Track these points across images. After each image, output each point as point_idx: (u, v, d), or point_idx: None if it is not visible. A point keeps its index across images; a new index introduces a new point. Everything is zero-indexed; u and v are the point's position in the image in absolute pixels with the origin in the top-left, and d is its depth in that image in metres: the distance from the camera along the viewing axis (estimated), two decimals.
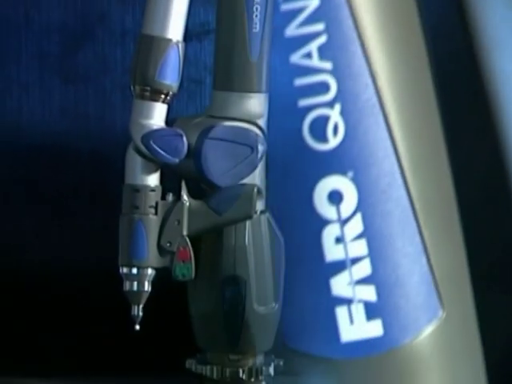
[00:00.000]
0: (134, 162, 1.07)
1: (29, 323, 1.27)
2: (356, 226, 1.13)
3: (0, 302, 1.27)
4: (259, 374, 1.11)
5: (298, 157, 1.15)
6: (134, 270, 1.06)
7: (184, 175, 1.08)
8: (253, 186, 1.08)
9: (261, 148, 1.08)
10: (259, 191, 1.09)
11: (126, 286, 1.06)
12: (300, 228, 1.16)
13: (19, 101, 1.26)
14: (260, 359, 1.12)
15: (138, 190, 1.06)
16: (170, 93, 1.06)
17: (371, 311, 1.12)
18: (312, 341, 1.12)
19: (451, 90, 1.30)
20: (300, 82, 1.14)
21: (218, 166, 1.07)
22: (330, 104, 1.13)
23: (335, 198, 1.13)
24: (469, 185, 1.29)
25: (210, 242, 1.10)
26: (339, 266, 1.13)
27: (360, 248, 1.12)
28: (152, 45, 1.05)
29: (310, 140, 1.14)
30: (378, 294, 1.13)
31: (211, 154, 1.06)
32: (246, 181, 1.08)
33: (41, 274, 1.26)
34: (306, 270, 1.15)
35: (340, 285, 1.12)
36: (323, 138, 1.13)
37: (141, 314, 1.06)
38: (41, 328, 1.27)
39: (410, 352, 1.13)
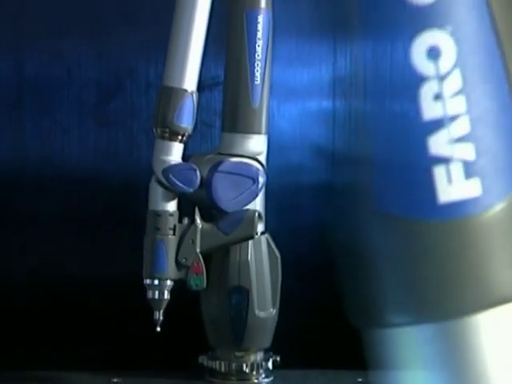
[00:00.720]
0: (156, 191, 1.08)
1: (68, 325, 1.27)
2: (455, 82, 0.97)
3: (43, 308, 1.27)
4: (260, 367, 1.12)
5: (394, 12, 0.99)
6: (156, 281, 1.07)
7: (197, 202, 1.09)
8: (254, 211, 1.09)
9: (261, 180, 1.09)
10: (260, 216, 1.10)
11: (149, 294, 1.07)
12: (398, 87, 1.01)
13: (62, 141, 1.26)
14: (260, 355, 1.13)
15: (159, 214, 1.07)
16: (186, 134, 1.07)
17: (470, 170, 0.96)
18: (407, 203, 0.95)
19: None
20: None
21: (225, 194, 1.08)
22: None
23: (433, 53, 0.98)
24: None
25: (219, 258, 1.10)
26: (437, 124, 0.97)
27: (459, 105, 0.96)
28: (171, 94, 1.06)
29: None
30: (477, 152, 0.97)
31: (220, 185, 1.07)
32: (248, 207, 1.09)
33: (80, 284, 1.26)
34: (403, 129, 1.00)
35: (438, 143, 0.96)
36: None
37: (161, 317, 1.07)
38: (79, 329, 1.27)
39: (507, 213, 0.97)
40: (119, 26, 1.25)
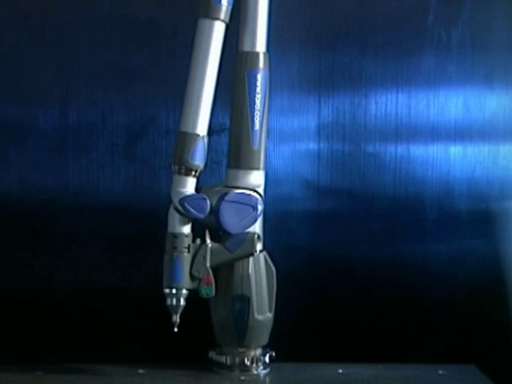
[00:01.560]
0: (174, 217, 1.08)
1: (102, 327, 1.28)
2: None
3: (82, 312, 1.27)
4: (259, 361, 1.12)
5: None
6: (174, 291, 1.07)
7: (207, 226, 1.09)
8: (254, 233, 1.09)
9: (260, 207, 1.08)
10: (258, 237, 1.10)
11: (168, 301, 1.07)
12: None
13: (97, 174, 1.26)
14: (259, 351, 1.12)
15: (176, 236, 1.07)
16: (198, 170, 1.07)
17: None
18: None
19: None
20: None
21: (230, 219, 1.07)
22: None
23: None
24: None
25: (225, 271, 1.10)
26: None
27: None
28: (186, 138, 1.06)
29: None
30: None
31: (226, 212, 1.07)
32: (249, 230, 1.09)
33: (111, 292, 1.27)
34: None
35: None
36: None
37: (178, 320, 1.07)
38: (111, 330, 1.27)
39: None
40: (144, 81, 1.25)
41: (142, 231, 1.24)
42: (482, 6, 1.27)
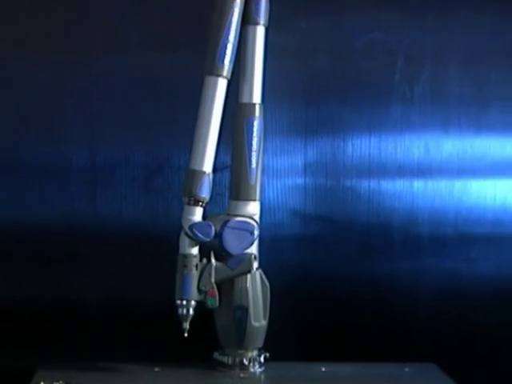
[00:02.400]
0: (184, 240, 1.07)
1: (126, 332, 1.27)
2: None
3: (106, 320, 1.27)
4: (255, 361, 1.11)
5: None
6: (184, 302, 1.06)
7: (212, 248, 1.08)
8: (251, 254, 1.09)
9: (256, 232, 1.08)
10: (255, 257, 1.09)
11: (179, 311, 1.06)
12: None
13: (120, 204, 1.25)
14: (256, 352, 1.12)
15: (186, 256, 1.07)
16: (205, 201, 1.07)
17: None
18: None
19: None
20: None
21: (231, 243, 1.07)
22: None
23: None
24: None
25: (227, 286, 1.09)
26: None
27: None
28: (194, 174, 1.06)
29: None
30: None
31: (228, 236, 1.07)
32: (247, 251, 1.08)
33: (131, 302, 1.26)
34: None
35: None
36: None
37: (187, 327, 1.06)
38: (132, 333, 1.27)
39: None
40: (160, 127, 1.25)
41: (158, 252, 1.24)
42: (438, 68, 1.28)
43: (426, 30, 1.27)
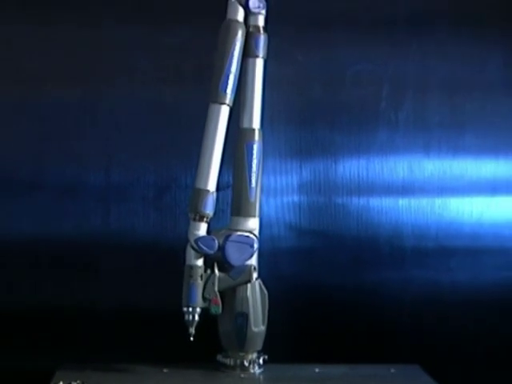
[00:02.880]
0: (190, 252, 1.06)
1: (138, 335, 1.26)
2: None
3: (115, 325, 1.26)
4: (255, 363, 1.10)
5: None
6: (190, 309, 1.05)
7: (216, 259, 1.07)
8: (251, 265, 1.08)
9: (255, 246, 1.07)
10: (254, 268, 1.09)
11: (185, 317, 1.05)
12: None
13: (133, 220, 1.25)
14: (255, 355, 1.11)
15: (192, 267, 1.06)
16: (209, 217, 1.06)
17: None
18: None
19: None
20: None
21: (233, 255, 1.06)
22: None
23: None
24: None
25: (229, 294, 1.09)
26: None
27: None
28: (199, 193, 1.05)
29: None
30: None
31: (230, 249, 1.06)
32: (248, 262, 1.08)
33: (139, 311, 1.26)
34: None
35: None
36: None
37: (193, 331, 1.06)
38: (143, 337, 1.26)
39: None
40: (168, 150, 1.25)
41: (166, 263, 1.23)
42: (420, 96, 1.28)
43: (408, 62, 1.28)
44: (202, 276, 1.06)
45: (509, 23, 1.30)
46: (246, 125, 1.08)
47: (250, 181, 1.08)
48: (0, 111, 1.22)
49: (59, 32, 1.23)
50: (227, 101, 1.06)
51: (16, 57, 1.23)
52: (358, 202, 1.28)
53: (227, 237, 1.06)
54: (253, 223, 1.09)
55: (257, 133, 1.09)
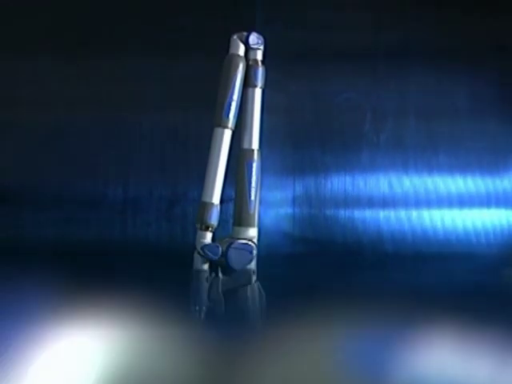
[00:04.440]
0: (197, 258, 1.03)
1: None
2: None
3: None
4: None
5: None
6: (197, 308, 1.01)
7: (219, 264, 1.04)
8: (251, 269, 1.05)
9: (255, 252, 1.04)
10: (254, 272, 1.05)
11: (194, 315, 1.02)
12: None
13: (147, 230, 1.24)
14: None
15: (199, 271, 1.02)
16: (214, 227, 1.03)
17: None
18: None
19: None
20: None
21: (235, 260, 1.03)
22: None
23: None
24: None
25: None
26: None
27: None
28: (205, 206, 1.03)
29: None
30: None
31: (232, 255, 1.03)
32: (248, 267, 1.04)
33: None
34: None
35: None
36: None
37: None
38: None
39: None
40: (177, 168, 1.24)
41: (176, 268, 1.20)
42: (399, 121, 1.28)
43: (389, 91, 1.29)
44: (207, 279, 1.03)
45: (475, 58, 1.31)
46: (246, 146, 1.06)
47: (250, 195, 1.05)
48: (35, 136, 1.22)
49: (87, 69, 1.24)
50: (230, 125, 1.04)
51: (53, 90, 1.23)
52: (344, 213, 1.27)
53: (230, 244, 1.03)
54: (252, 232, 1.06)
55: (256, 153, 1.06)
